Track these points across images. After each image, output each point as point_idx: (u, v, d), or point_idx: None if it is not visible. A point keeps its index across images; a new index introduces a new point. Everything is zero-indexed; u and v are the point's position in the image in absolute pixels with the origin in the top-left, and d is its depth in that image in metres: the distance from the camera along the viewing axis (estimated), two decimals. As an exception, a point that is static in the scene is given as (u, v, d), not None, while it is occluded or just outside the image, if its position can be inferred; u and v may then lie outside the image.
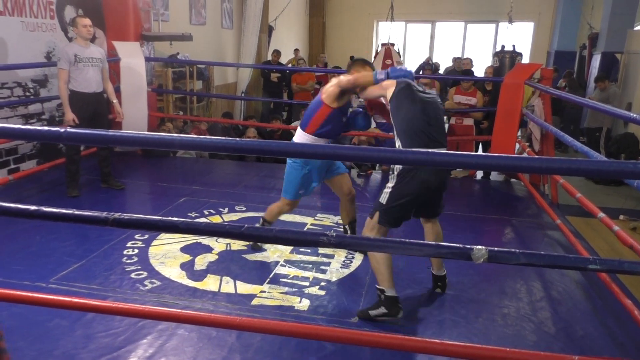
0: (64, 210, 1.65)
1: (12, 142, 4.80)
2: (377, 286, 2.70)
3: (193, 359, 2.34)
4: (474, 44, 15.59)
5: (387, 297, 2.65)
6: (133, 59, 5.68)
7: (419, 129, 2.67)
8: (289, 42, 13.22)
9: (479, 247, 1.42)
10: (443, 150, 2.60)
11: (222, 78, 9.45)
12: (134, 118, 5.62)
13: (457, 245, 1.47)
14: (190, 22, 8.41)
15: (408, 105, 2.70)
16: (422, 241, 1.52)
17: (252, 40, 9.74)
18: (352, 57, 14.49)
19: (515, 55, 6.91)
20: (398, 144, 2.74)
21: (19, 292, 1.78)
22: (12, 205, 1.65)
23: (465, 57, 11.33)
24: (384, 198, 2.71)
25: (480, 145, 6.66)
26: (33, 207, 1.59)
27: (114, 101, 4.69)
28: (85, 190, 4.69)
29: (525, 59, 12.62)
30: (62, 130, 1.59)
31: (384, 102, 2.93)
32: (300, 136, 3.23)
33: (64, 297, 1.80)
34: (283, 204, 3.39)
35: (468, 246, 1.44)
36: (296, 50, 12.43)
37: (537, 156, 2.95)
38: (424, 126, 2.67)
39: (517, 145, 5.52)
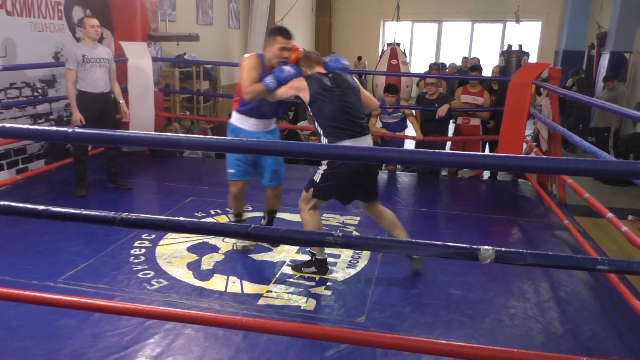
0: (71, 210, 1.66)
1: (20, 142, 4.83)
2: (310, 250, 3.21)
3: (200, 359, 2.35)
4: (481, 44, 15.54)
5: (317, 259, 3.16)
6: (140, 59, 5.70)
7: (343, 123, 2.94)
8: (295, 42, 13.23)
9: (486, 247, 1.42)
10: (366, 137, 3.00)
11: (228, 78, 9.48)
12: (141, 118, 5.64)
13: (464, 245, 1.47)
14: (197, 22, 8.44)
15: (328, 105, 2.94)
16: (428, 241, 1.51)
17: (259, 41, 9.76)
18: (359, 57, 14.52)
19: (521, 54, 6.89)
20: (323, 140, 2.99)
21: (27, 292, 1.80)
22: (21, 205, 1.66)
23: (472, 57, 11.30)
24: (317, 177, 3.05)
25: (487, 145, 6.63)
26: (41, 207, 1.60)
27: (121, 101, 4.71)
28: (92, 190, 4.71)
29: (533, 59, 12.58)
30: (70, 130, 1.60)
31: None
32: (232, 114, 3.33)
33: (72, 297, 1.80)
34: (229, 188, 3.46)
35: (475, 246, 1.44)
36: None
37: (544, 156, 2.93)
38: (346, 120, 2.95)
39: (525, 145, 5.50)
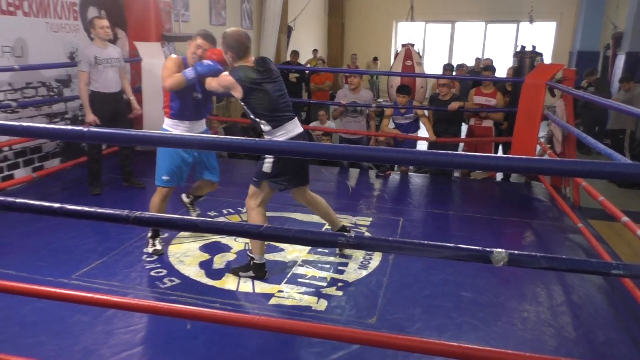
0: (86, 208, 1.67)
1: (36, 141, 4.89)
2: (249, 253, 3.16)
3: (211, 358, 2.36)
4: (495, 45, 15.43)
5: (255, 263, 3.12)
6: (154, 59, 5.74)
7: (278, 109, 3.04)
8: (307, 43, 13.25)
9: (499, 250, 1.41)
10: (295, 119, 3.12)
11: (241, 78, 9.50)
12: (154, 118, 5.68)
13: (476, 247, 1.46)
14: (210, 22, 8.48)
15: (262, 95, 2.99)
16: (440, 243, 1.51)
17: (271, 41, 9.79)
18: (375, 57, 14.48)
19: (535, 55, 6.82)
20: (266, 128, 3.05)
21: (42, 288, 1.82)
22: (37, 202, 1.68)
23: (485, 57, 11.22)
24: (267, 168, 3.08)
25: (501, 147, 6.58)
26: (57, 205, 1.62)
27: (132, 97, 4.79)
28: (106, 189, 4.76)
29: (547, 60, 12.45)
30: (85, 129, 1.62)
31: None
32: (165, 121, 3.44)
33: (85, 294, 1.82)
34: (157, 193, 3.46)
35: (487, 249, 1.43)
36: (315, 51, 12.46)
37: (558, 158, 2.90)
38: (280, 107, 3.05)
39: (538, 147, 5.45)
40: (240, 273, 3.15)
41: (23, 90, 4.71)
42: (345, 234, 1.50)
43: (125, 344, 2.42)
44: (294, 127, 3.09)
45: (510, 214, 4.58)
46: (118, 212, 1.63)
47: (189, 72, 3.13)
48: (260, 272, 3.13)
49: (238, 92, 2.98)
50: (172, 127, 3.40)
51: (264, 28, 9.87)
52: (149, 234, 3.46)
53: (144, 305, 1.88)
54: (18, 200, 1.66)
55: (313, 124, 7.53)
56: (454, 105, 5.60)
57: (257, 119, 3.04)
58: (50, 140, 5.02)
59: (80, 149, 5.43)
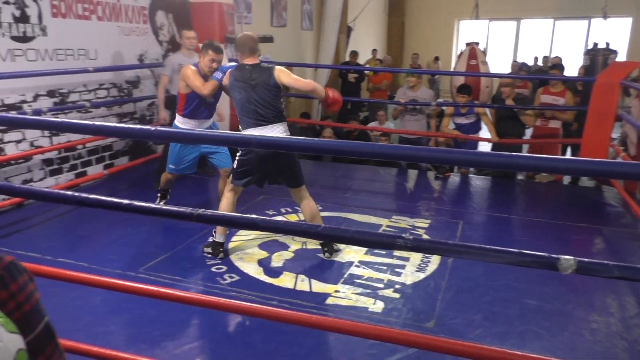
0: (152, 205, 1.75)
1: (107, 140, 5.15)
2: (214, 231, 3.38)
3: (268, 354, 2.40)
4: (564, 43, 14.75)
5: (214, 241, 3.36)
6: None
7: (249, 113, 3.22)
8: (367, 43, 13.20)
9: (567, 257, 1.35)
10: (268, 126, 3.20)
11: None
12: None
13: (543, 254, 1.40)
14: (271, 24, 8.62)
15: (238, 95, 3.24)
16: (502, 248, 1.46)
17: (331, 41, 9.82)
18: (436, 57, 14.22)
19: (608, 53, 6.47)
20: (240, 127, 3.30)
21: (112, 280, 1.91)
22: (108, 198, 1.78)
23: (554, 56, 10.75)
24: (234, 164, 3.32)
25: (570, 149, 6.28)
26: (126, 201, 1.70)
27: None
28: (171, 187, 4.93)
29: (622, 58, 11.78)
30: (153, 128, 1.69)
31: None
32: (177, 118, 3.87)
33: (151, 287, 1.90)
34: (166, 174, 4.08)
35: (554, 255, 1.37)
36: (374, 51, 12.39)
37: (632, 161, 2.74)
38: (252, 110, 3.21)
39: (610, 149, 5.17)
40: (204, 248, 3.43)
41: (96, 91, 4.97)
42: (404, 235, 1.48)
43: (187, 337, 2.51)
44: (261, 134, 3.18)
45: (579, 219, 4.36)
46: (182, 209, 1.69)
47: (218, 75, 3.54)
48: (216, 249, 3.36)
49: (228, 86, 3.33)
50: (182, 124, 3.82)
51: (323, 29, 9.91)
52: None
53: (205, 300, 1.94)
54: (91, 196, 1.76)
55: (372, 124, 7.50)
56: (506, 90, 5.43)
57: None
58: (121, 139, 5.27)
59: (147, 147, 5.66)
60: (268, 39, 6.70)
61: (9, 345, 0.74)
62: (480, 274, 3.21)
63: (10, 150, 4.12)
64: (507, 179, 5.68)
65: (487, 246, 1.45)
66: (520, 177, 5.89)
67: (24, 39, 4.11)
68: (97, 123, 1.77)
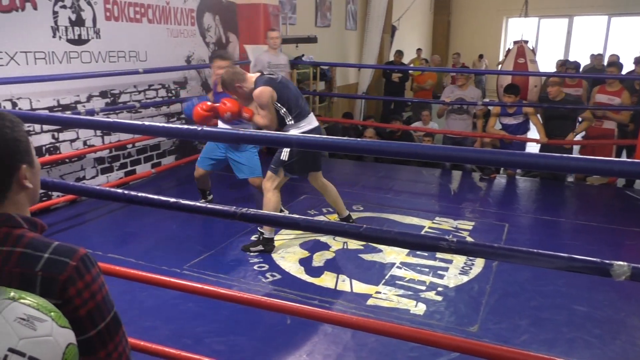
0: (198, 204, 1.79)
1: (155, 139, 5.30)
2: (259, 229, 3.49)
3: (309, 353, 2.41)
4: (619, 40, 14.11)
5: (265, 238, 3.46)
6: (262, 61, 5.99)
7: (300, 104, 3.46)
8: (411, 42, 13.06)
9: (620, 263, 1.29)
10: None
11: (344, 79, 9.60)
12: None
13: (594, 259, 1.35)
14: (315, 24, 8.65)
15: (288, 92, 3.44)
16: (551, 252, 1.41)
17: (375, 41, 9.77)
18: (480, 55, 13.93)
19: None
20: (293, 121, 3.43)
21: (158, 276, 1.96)
22: (155, 196, 1.83)
23: (611, 54, 10.30)
24: (284, 156, 3.41)
25: (625, 151, 6.01)
26: (172, 200, 1.75)
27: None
28: (215, 185, 5.03)
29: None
30: (199, 128, 1.73)
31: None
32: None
33: (196, 284, 1.94)
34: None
35: (607, 261, 1.31)
36: (419, 50, 12.24)
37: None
38: (301, 101, 3.49)
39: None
40: (251, 248, 3.47)
41: (145, 92, 5.13)
42: (447, 237, 1.46)
43: (230, 334, 2.55)
44: None
45: (634, 224, 4.17)
46: (226, 208, 1.71)
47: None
48: (269, 245, 3.46)
49: (274, 95, 3.37)
50: (223, 125, 3.79)
51: (367, 28, 9.87)
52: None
53: (248, 298, 1.97)
54: (140, 194, 1.81)
55: (415, 124, 7.41)
56: (552, 91, 5.24)
57: (285, 116, 3.45)
58: (168, 139, 5.41)
59: (193, 147, 5.79)
60: (312, 40, 6.73)
61: (59, 339, 0.77)
62: (527, 279, 3.12)
63: (65, 149, 4.30)
64: (556, 181, 5.49)
65: (536, 250, 1.41)
66: (570, 179, 5.69)
67: (79, 41, 4.28)
68: (146, 123, 1.82)
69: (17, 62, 3.78)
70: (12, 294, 0.78)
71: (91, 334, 0.92)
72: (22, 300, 0.77)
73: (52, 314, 0.79)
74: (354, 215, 4.22)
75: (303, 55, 7.59)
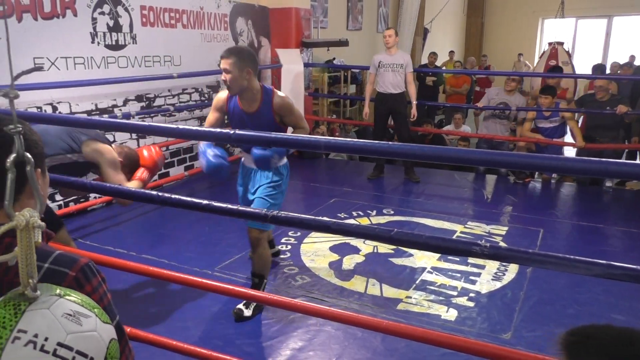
0: (229, 206, 1.80)
1: (189, 142, 5.38)
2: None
3: (338, 357, 2.41)
4: (660, 40, 13.61)
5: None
6: (293, 65, 6.02)
7: None
8: (444, 44, 12.91)
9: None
10: None
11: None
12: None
13: (634, 266, 1.30)
14: (347, 27, 8.66)
15: None
16: (589, 259, 1.37)
17: (407, 44, 9.70)
18: (520, 54, 13.67)
19: None
20: None
21: (190, 277, 1.99)
22: (188, 199, 1.86)
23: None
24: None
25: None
26: (205, 202, 1.77)
27: (413, 102, 5.33)
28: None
29: None
30: (232, 132, 1.75)
31: None
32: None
33: (227, 285, 1.96)
34: None
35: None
36: (451, 53, 12.10)
37: None
38: None
39: None
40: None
41: (179, 96, 5.22)
42: (480, 242, 1.43)
43: (261, 335, 2.57)
44: None
45: (676, 231, 4.02)
46: (257, 210, 1.73)
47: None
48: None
49: None
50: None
51: (399, 31, 9.81)
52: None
53: (277, 300, 1.97)
54: (173, 196, 1.84)
55: (447, 128, 7.32)
56: (622, 109, 5.00)
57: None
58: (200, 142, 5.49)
59: (226, 150, 5.85)
60: (343, 43, 6.73)
61: (102, 334, 0.79)
62: (563, 286, 3.04)
63: (102, 151, 4.40)
64: (594, 186, 5.34)
65: (573, 256, 1.37)
66: (609, 183, 5.52)
67: (116, 47, 4.39)
68: (180, 127, 1.86)
69: (57, 67, 3.90)
70: (58, 290, 0.80)
71: None
72: (67, 297, 0.80)
73: (96, 310, 0.81)
74: (384, 219, 4.20)
75: (334, 58, 7.60)
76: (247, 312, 2.71)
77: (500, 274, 3.23)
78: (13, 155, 0.85)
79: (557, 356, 0.84)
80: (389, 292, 3.01)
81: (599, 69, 7.99)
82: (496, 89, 5.89)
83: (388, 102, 5.24)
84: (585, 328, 0.85)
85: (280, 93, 2.77)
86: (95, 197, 4.23)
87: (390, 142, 1.66)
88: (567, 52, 8.39)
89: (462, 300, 2.91)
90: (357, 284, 3.11)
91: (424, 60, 10.15)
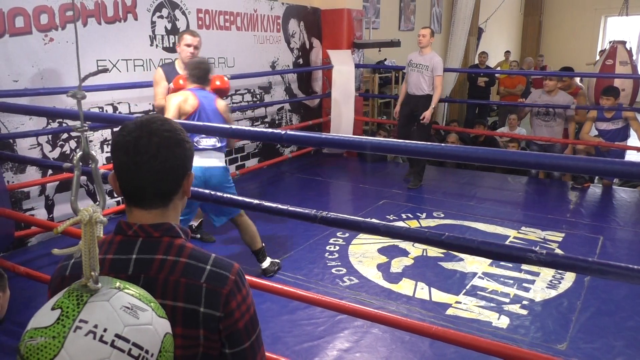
0: (280, 206, 1.83)
1: (240, 142, 5.49)
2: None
3: (383, 359, 2.39)
4: None
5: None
6: (344, 65, 6.03)
7: None
8: (499, 44, 12.58)
9: None
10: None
11: (427, 83, 9.41)
12: (341, 121, 5.97)
13: None
14: (398, 28, 8.58)
15: None
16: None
17: (460, 44, 9.51)
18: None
19: None
20: None
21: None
22: (240, 198, 1.89)
23: None
24: None
25: None
26: (255, 201, 1.81)
27: (431, 106, 4.96)
28: (295, 189, 5.13)
29: None
30: (283, 132, 1.77)
31: None
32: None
33: (275, 284, 1.99)
34: None
35: None
36: (507, 53, 11.76)
37: None
38: None
39: None
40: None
41: (232, 97, 5.33)
42: (536, 249, 1.39)
43: (307, 335, 2.58)
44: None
45: None
46: (307, 211, 1.74)
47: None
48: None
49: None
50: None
51: (452, 31, 9.64)
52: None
53: (326, 301, 1.98)
54: (225, 195, 1.89)
55: (501, 130, 7.12)
56: None
57: None
58: (252, 142, 5.59)
59: (276, 150, 5.94)
60: (395, 43, 6.68)
61: (158, 328, 0.82)
62: (624, 297, 2.90)
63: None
64: (659, 192, 5.06)
65: (635, 266, 1.30)
66: (676, 190, 5.21)
67: (173, 49, 4.52)
68: (233, 127, 1.90)
69: (118, 69, 4.07)
70: (117, 283, 0.83)
71: (245, 346, 0.96)
72: (126, 290, 0.83)
73: (152, 304, 0.84)
74: (434, 222, 4.14)
75: (385, 59, 7.55)
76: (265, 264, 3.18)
77: (556, 282, 3.11)
78: (79, 153, 0.90)
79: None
80: (438, 296, 2.96)
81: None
82: (539, 91, 5.68)
83: (411, 103, 5.08)
84: None
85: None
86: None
87: (444, 145, 1.63)
88: (629, 51, 7.98)
89: (515, 308, 2.83)
90: (405, 287, 3.08)
91: (476, 60, 9.92)
